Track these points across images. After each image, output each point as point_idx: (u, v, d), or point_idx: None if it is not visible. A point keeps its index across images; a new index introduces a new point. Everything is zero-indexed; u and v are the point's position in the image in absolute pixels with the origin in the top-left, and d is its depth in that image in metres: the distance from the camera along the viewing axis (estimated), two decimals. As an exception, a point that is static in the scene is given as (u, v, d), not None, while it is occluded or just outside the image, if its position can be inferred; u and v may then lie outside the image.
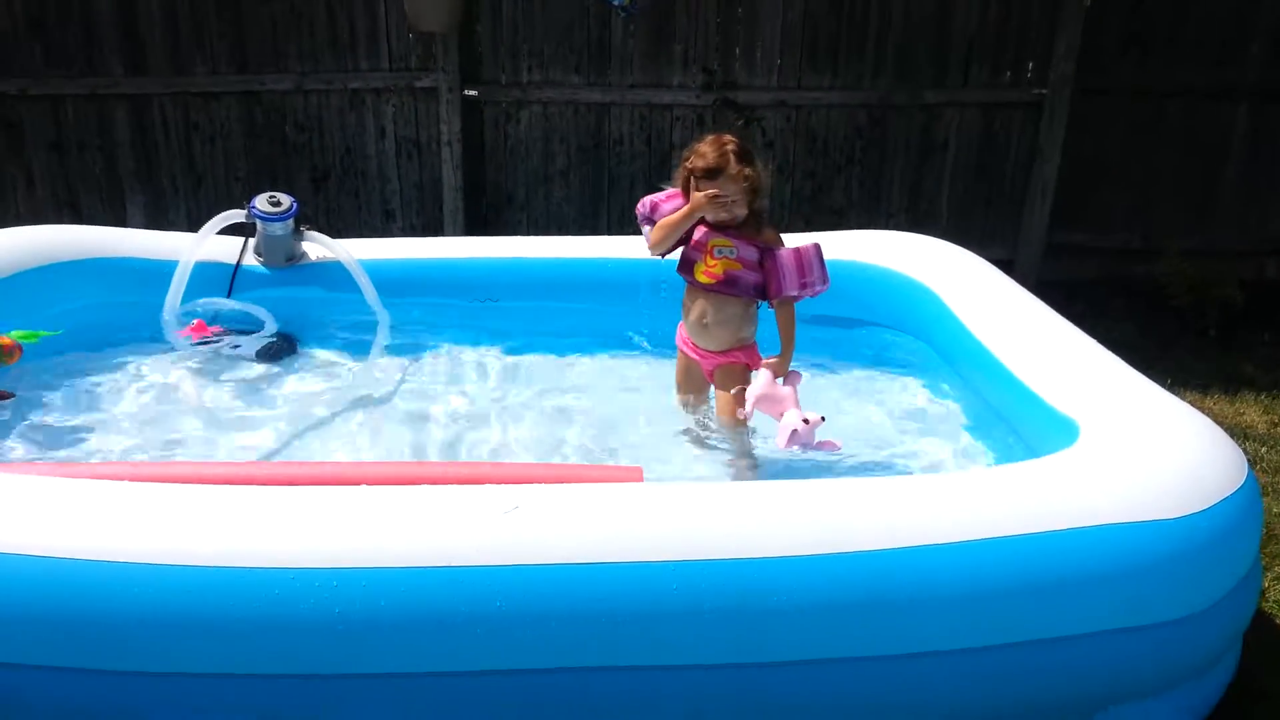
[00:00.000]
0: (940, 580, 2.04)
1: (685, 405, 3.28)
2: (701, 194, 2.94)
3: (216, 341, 3.75)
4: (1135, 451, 2.39)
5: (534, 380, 3.64)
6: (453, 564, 1.95)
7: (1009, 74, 5.95)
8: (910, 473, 2.94)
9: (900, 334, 3.84)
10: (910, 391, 3.51)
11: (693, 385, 3.26)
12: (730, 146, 2.95)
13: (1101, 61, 5.86)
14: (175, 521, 2.02)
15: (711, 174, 2.94)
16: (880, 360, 3.75)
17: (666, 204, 3.12)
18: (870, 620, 2.04)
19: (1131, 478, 2.27)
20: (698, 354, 3.16)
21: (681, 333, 3.21)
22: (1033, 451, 2.70)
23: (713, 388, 3.20)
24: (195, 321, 3.75)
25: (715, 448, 3.10)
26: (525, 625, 1.94)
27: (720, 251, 3.01)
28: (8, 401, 3.23)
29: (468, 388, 3.59)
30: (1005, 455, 2.94)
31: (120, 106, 5.83)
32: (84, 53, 5.73)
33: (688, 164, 3.02)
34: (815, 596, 2.01)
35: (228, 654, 1.95)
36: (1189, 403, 2.71)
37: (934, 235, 4.31)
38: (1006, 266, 4.05)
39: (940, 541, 2.07)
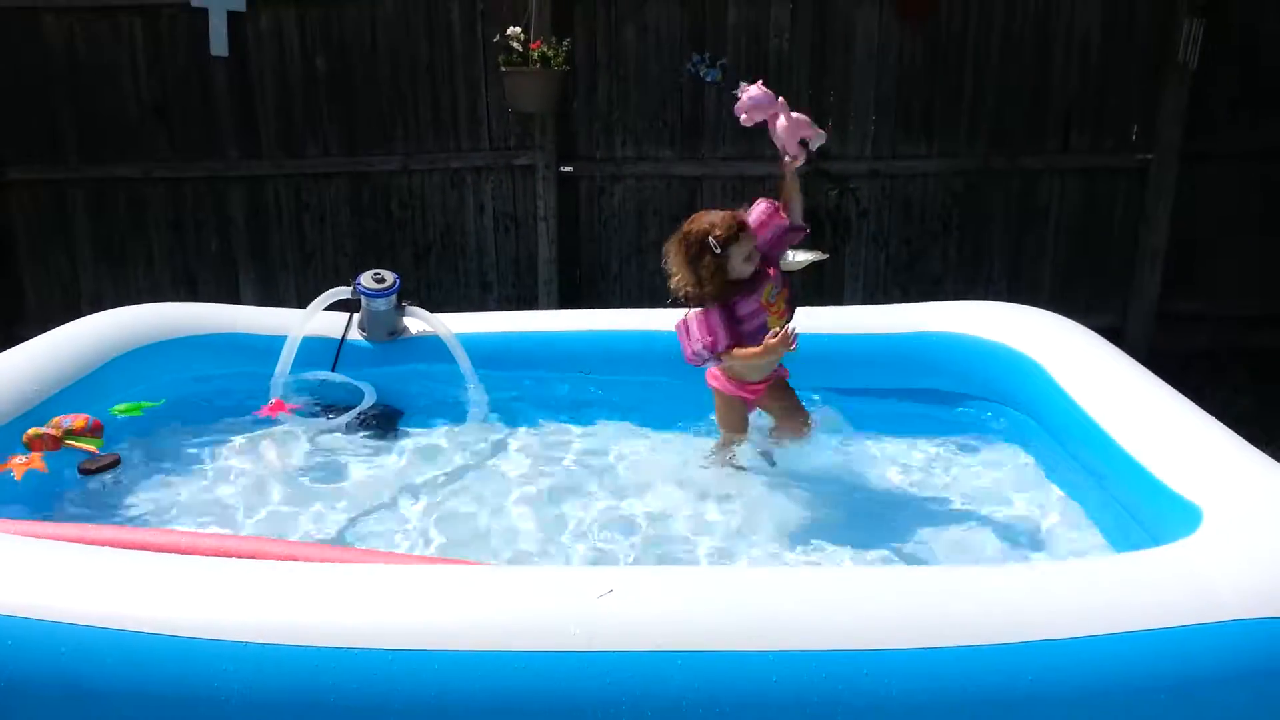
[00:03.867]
0: (1053, 679, 1.92)
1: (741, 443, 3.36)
2: (778, 340, 2.91)
3: (312, 415, 3.83)
4: (1263, 538, 2.24)
5: (625, 454, 3.61)
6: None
7: (1112, 139, 5.82)
8: (1017, 560, 2.82)
9: (1004, 409, 3.70)
10: (1015, 471, 3.37)
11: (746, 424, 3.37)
12: (726, 213, 3.08)
13: (1210, 124, 5.69)
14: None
15: (738, 233, 3.03)
16: (983, 437, 3.60)
17: (700, 326, 3.10)
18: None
19: (1259, 567, 2.13)
20: (751, 390, 3.25)
21: (734, 384, 3.24)
22: (1152, 538, 2.55)
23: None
24: (274, 400, 3.84)
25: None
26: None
27: (773, 294, 3.13)
28: (117, 468, 3.34)
29: (560, 460, 3.59)
30: (1122, 542, 2.79)
31: (236, 188, 6.13)
32: (203, 139, 6.06)
33: (699, 238, 3.05)
34: (913, 695, 1.91)
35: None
36: (1320, 485, 2.54)
37: (1036, 305, 4.18)
38: (1115, 336, 3.91)
39: (1053, 637, 1.95)
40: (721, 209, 3.16)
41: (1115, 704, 1.94)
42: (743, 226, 3.08)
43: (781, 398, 3.35)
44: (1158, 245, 5.79)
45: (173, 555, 2.28)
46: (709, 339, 3.07)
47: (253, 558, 2.28)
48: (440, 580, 2.15)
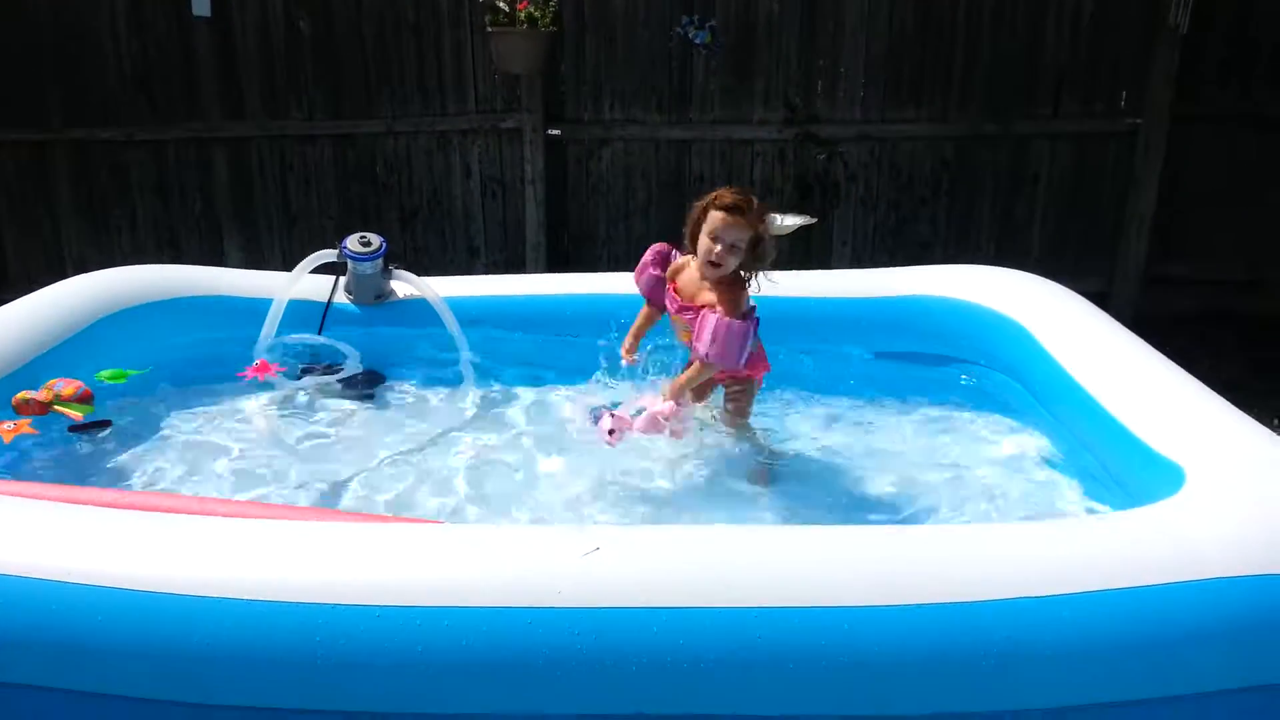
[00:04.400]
0: (1035, 636, 1.94)
1: None
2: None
3: (298, 378, 3.82)
4: (1245, 499, 2.26)
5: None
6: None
7: (1102, 104, 5.79)
8: (1001, 519, 2.84)
9: (990, 372, 3.71)
10: (1000, 433, 3.39)
11: None
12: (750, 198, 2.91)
13: (1200, 89, 5.67)
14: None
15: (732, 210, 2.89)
16: (968, 400, 3.62)
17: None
18: (958, 677, 1.95)
19: (1241, 527, 2.15)
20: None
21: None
22: (1134, 499, 2.57)
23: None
24: (259, 361, 3.82)
25: None
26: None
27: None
28: (106, 430, 3.34)
29: (546, 424, 3.59)
30: (1104, 502, 2.81)
31: (219, 150, 6.06)
32: (186, 101, 5.98)
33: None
34: (896, 651, 1.92)
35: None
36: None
37: (1025, 270, 4.18)
38: (1102, 300, 3.92)
39: (1035, 594, 1.97)
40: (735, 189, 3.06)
41: (1098, 661, 1.96)
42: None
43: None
44: (1145, 209, 5.78)
45: (157, 515, 2.28)
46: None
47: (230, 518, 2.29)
48: (431, 540, 2.15)
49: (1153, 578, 2.01)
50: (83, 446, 3.28)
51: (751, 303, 3.05)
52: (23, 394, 3.12)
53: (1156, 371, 3.03)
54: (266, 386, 3.75)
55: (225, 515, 2.33)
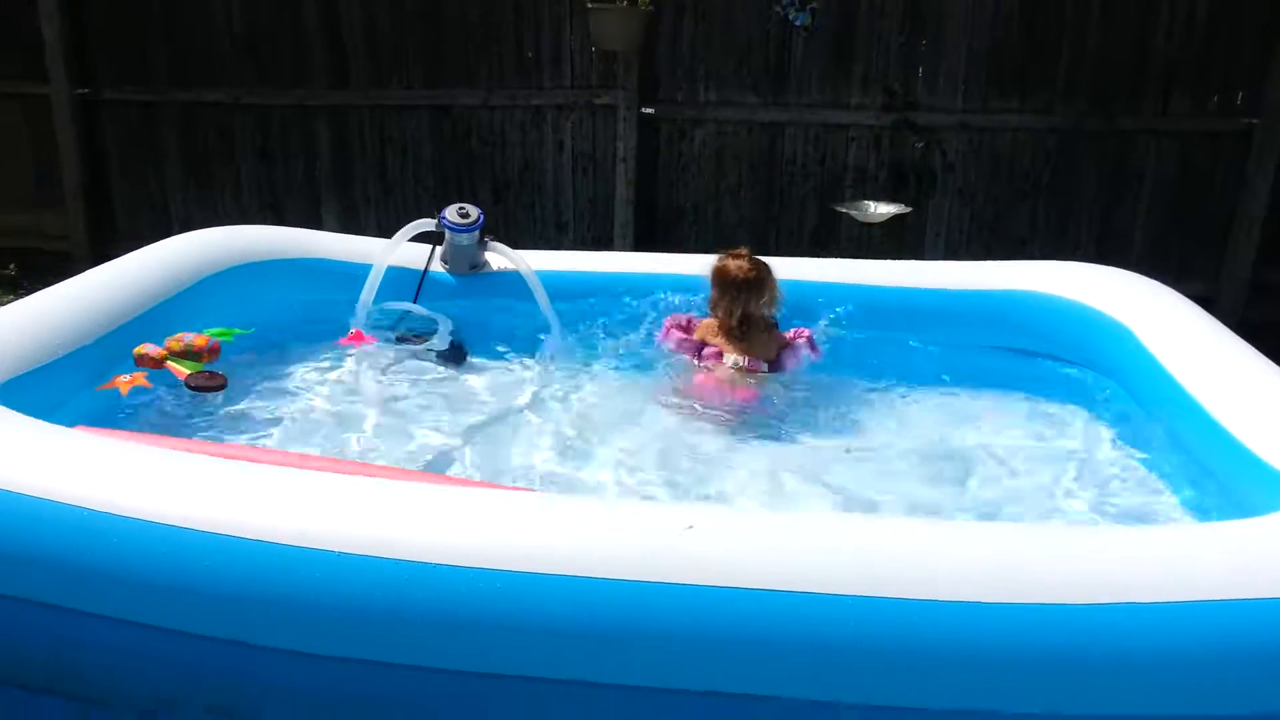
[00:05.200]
0: (1139, 644, 1.90)
1: None
2: None
3: (392, 345, 3.89)
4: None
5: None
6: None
7: (1215, 100, 5.59)
8: (1098, 524, 2.77)
9: (1091, 373, 3.61)
10: (1099, 436, 3.30)
11: None
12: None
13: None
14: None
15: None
16: (1067, 400, 3.53)
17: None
18: (1052, 683, 1.92)
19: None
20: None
21: None
22: (1241, 510, 2.49)
23: None
24: (354, 331, 3.90)
25: None
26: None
27: None
28: (222, 390, 3.41)
29: (629, 402, 3.61)
30: (1209, 513, 2.72)
31: (321, 118, 6.20)
32: (292, 67, 6.12)
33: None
34: (988, 650, 1.89)
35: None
36: None
37: (1126, 270, 4.07)
38: (1205, 305, 3.79)
39: (1141, 600, 1.93)
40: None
41: (1201, 672, 1.91)
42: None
43: None
44: (1257, 212, 5.57)
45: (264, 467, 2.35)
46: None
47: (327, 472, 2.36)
48: (531, 508, 2.19)
49: (1262, 590, 1.96)
50: (187, 403, 3.34)
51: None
52: (141, 347, 3.19)
53: (1266, 378, 2.92)
54: (364, 354, 3.84)
55: (325, 470, 2.39)
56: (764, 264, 3.62)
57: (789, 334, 3.74)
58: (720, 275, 3.64)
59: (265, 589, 2.00)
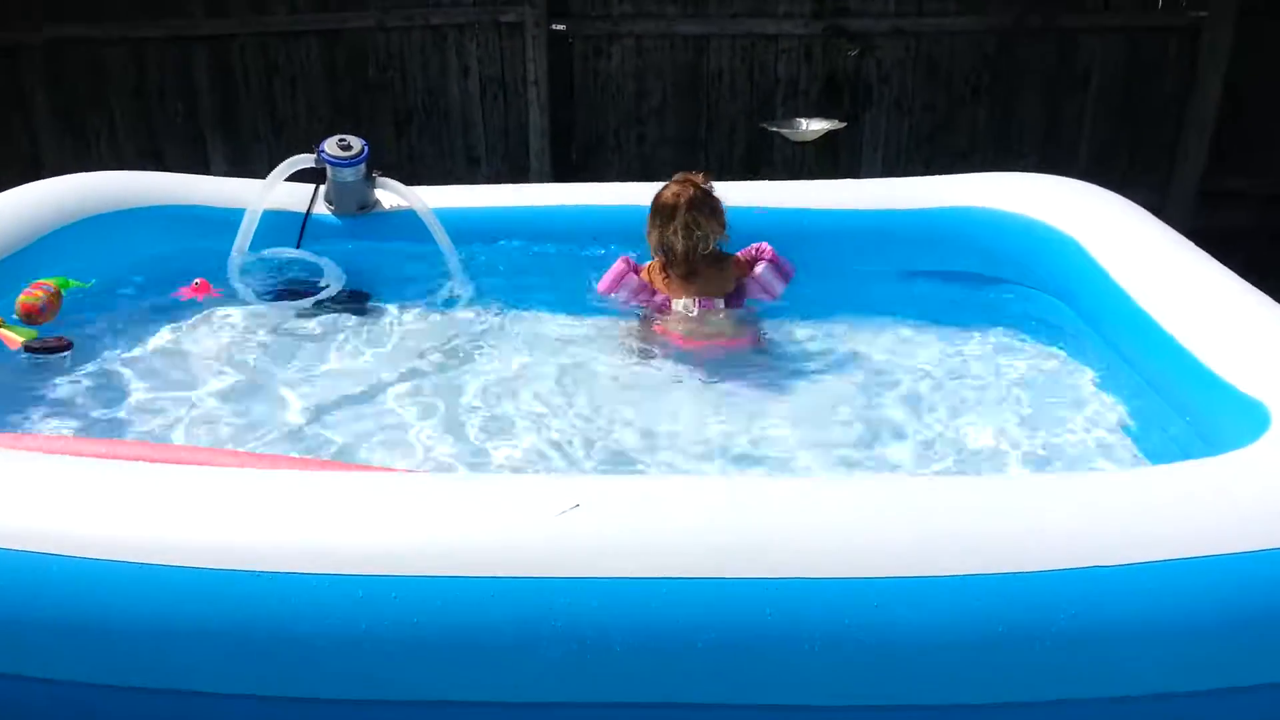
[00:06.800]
0: (1097, 616, 1.62)
1: None
2: None
3: (264, 298, 3.52)
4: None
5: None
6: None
7: (1160, -7, 5.28)
8: (1052, 468, 2.50)
9: (1038, 294, 3.36)
10: (1049, 365, 3.02)
11: None
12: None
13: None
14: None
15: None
16: (1012, 326, 3.26)
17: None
18: (1012, 658, 1.64)
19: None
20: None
21: None
22: (1210, 444, 2.23)
23: None
24: (198, 281, 3.52)
25: None
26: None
27: None
28: (67, 353, 3.06)
29: (543, 350, 3.26)
30: (1172, 449, 2.45)
31: (200, 50, 5.68)
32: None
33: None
34: (930, 630, 1.63)
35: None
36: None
37: (1071, 178, 3.80)
38: (1154, 213, 3.59)
39: (1101, 564, 1.65)
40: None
41: (1175, 638, 1.65)
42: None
43: None
44: (1207, 115, 5.30)
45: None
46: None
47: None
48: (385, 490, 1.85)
49: (1236, 543, 1.69)
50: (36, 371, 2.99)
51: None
52: None
53: (1231, 294, 2.67)
54: (202, 307, 3.47)
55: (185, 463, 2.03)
56: (702, 185, 3.16)
57: (745, 253, 3.32)
58: (654, 205, 3.20)
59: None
